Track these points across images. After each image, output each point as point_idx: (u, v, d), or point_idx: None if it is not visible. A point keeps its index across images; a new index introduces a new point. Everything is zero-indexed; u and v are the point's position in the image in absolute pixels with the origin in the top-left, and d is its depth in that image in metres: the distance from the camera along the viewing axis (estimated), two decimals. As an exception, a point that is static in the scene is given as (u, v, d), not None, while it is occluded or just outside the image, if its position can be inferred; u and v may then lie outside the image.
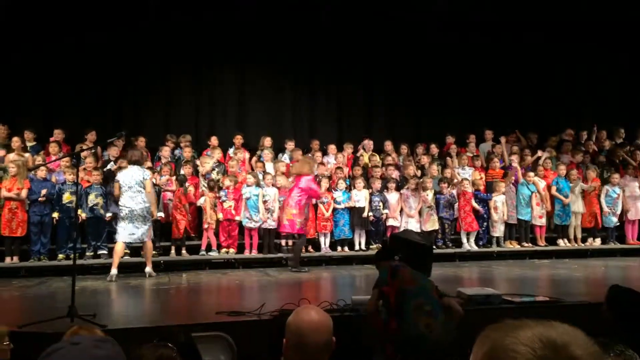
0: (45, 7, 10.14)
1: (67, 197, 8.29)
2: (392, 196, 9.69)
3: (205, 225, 8.89)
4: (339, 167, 9.97)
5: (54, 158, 8.73)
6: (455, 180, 10.02)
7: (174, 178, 9.05)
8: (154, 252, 8.05)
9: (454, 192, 9.89)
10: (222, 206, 8.97)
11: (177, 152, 9.92)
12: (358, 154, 10.78)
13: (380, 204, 9.57)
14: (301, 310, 2.24)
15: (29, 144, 9.29)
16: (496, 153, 10.90)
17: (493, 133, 11.49)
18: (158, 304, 6.14)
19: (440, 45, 12.07)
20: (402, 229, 9.16)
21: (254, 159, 10.21)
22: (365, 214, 9.39)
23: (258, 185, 9.21)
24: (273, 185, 9.26)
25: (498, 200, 9.93)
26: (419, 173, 10.24)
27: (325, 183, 9.49)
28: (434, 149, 10.97)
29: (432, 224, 9.66)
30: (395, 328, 3.60)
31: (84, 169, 8.63)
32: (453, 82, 12.12)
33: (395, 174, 10.14)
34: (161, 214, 8.66)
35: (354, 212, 9.45)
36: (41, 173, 8.40)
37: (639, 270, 8.73)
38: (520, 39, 12.23)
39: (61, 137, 9.50)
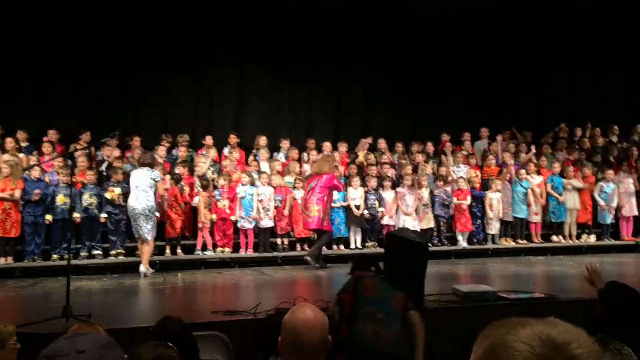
0: (44, 7, 10.10)
1: (60, 199, 8.24)
2: (388, 194, 9.69)
3: (200, 225, 8.87)
4: (334, 166, 9.95)
5: (47, 158, 8.69)
6: (450, 178, 10.03)
7: (168, 177, 9.02)
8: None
9: (449, 189, 9.91)
10: (216, 205, 8.96)
11: (174, 151, 9.88)
12: (356, 151, 10.77)
13: (376, 202, 9.57)
14: (297, 309, 2.24)
15: (22, 144, 9.24)
16: (491, 151, 10.91)
17: (489, 131, 11.51)
18: (153, 303, 6.13)
19: (438, 45, 12.13)
20: (398, 227, 9.17)
21: (250, 158, 10.19)
22: (360, 212, 9.39)
23: (253, 184, 9.19)
24: (269, 184, 9.24)
25: (493, 197, 9.95)
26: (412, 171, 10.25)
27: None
28: (430, 147, 10.98)
29: (428, 222, 9.68)
30: (345, 335, 3.56)
31: (77, 168, 8.60)
32: (449, 81, 12.17)
33: (391, 172, 10.15)
34: (156, 214, 8.63)
35: (350, 211, 9.45)
36: (35, 173, 8.36)
37: (633, 267, 8.77)
38: (517, 38, 12.29)
39: (55, 138, 9.46)
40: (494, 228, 10.00)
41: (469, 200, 9.85)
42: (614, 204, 10.56)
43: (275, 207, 9.21)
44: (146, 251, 7.67)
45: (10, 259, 8.13)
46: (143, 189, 7.57)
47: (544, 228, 10.50)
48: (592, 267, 3.77)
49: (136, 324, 4.51)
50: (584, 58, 12.75)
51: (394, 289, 3.68)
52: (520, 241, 10.15)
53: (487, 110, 11.94)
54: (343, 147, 10.76)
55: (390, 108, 12.26)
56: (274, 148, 10.64)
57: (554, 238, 10.36)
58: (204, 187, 9.01)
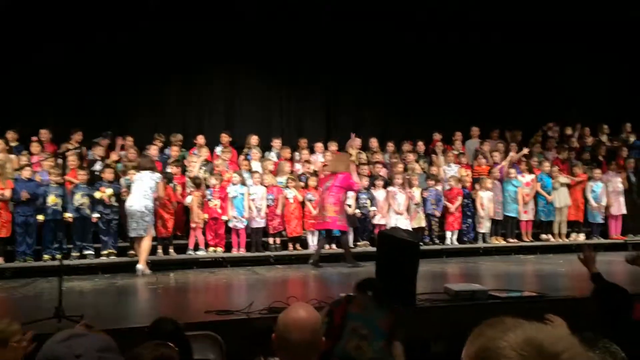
0: (35, 8, 10.03)
1: (52, 200, 8.19)
2: (380, 193, 9.72)
3: (193, 225, 8.86)
4: (325, 165, 9.98)
5: (39, 158, 8.64)
6: (440, 177, 10.08)
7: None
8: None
9: (440, 188, 9.96)
10: (207, 205, 8.95)
11: (166, 151, 9.86)
12: (346, 148, 10.78)
13: (368, 201, 9.60)
14: (292, 308, 2.27)
15: (12, 144, 9.18)
16: (482, 150, 10.97)
17: (479, 130, 11.57)
18: (146, 303, 6.12)
19: (428, 44, 12.14)
20: (389, 227, 9.19)
21: (241, 157, 10.19)
22: (351, 211, 9.42)
23: (243, 184, 9.20)
24: (261, 183, 9.25)
25: (484, 196, 10.01)
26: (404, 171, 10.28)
27: (312, 181, 9.51)
28: (421, 147, 11.03)
29: (419, 222, 9.72)
30: (329, 347, 3.58)
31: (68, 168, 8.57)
32: (440, 81, 12.16)
33: (382, 171, 10.18)
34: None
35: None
36: (25, 173, 8.31)
37: (622, 265, 8.82)
38: (507, 38, 12.34)
39: (47, 137, 9.40)
40: (484, 227, 10.06)
41: (460, 200, 9.90)
42: (603, 203, 10.65)
43: (268, 207, 9.21)
44: (143, 249, 7.68)
45: (1, 260, 8.08)
46: (144, 190, 7.68)
47: (534, 227, 10.57)
48: (588, 250, 3.96)
49: (129, 325, 4.50)
50: (574, 57, 12.83)
51: (385, 310, 3.71)
52: (511, 240, 10.23)
53: (478, 109, 11.98)
54: (333, 146, 10.77)
55: (381, 107, 12.27)
56: (266, 147, 10.64)
57: (544, 237, 10.44)
58: (197, 186, 9.00)
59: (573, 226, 10.68)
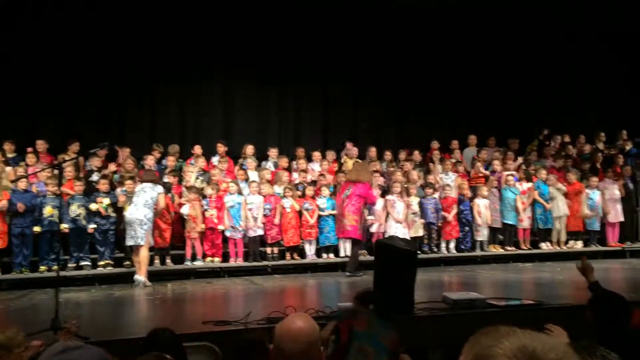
0: (30, 17, 10.06)
1: (48, 211, 8.17)
2: (377, 202, 9.71)
3: (194, 234, 8.83)
4: (322, 174, 10.00)
5: (36, 169, 8.63)
6: (437, 186, 10.09)
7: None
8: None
9: (437, 196, 9.95)
10: (204, 215, 8.94)
11: (163, 161, 9.85)
12: (342, 160, 10.80)
13: (366, 210, 9.59)
14: (289, 318, 2.28)
15: (9, 155, 9.16)
16: (480, 158, 10.99)
17: (477, 138, 11.61)
18: (143, 314, 6.09)
19: (425, 53, 12.21)
20: (388, 235, 9.18)
21: (236, 167, 10.19)
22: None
23: (240, 193, 9.20)
24: (258, 193, 9.24)
25: (481, 204, 10.01)
26: (404, 179, 10.29)
27: (309, 191, 9.51)
28: (417, 156, 11.04)
29: (416, 231, 9.69)
30: None
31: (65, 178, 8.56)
32: (438, 89, 12.24)
33: (380, 180, 10.18)
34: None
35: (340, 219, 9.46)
36: (21, 184, 8.29)
37: (619, 272, 8.86)
38: (505, 45, 12.40)
39: (44, 148, 9.39)
40: (482, 235, 10.06)
41: (455, 209, 9.91)
42: (600, 213, 10.66)
43: (265, 216, 9.20)
44: (142, 260, 7.65)
45: (-3, 271, 8.04)
46: (145, 200, 7.70)
47: (532, 234, 10.57)
48: (586, 261, 4.02)
49: (126, 336, 4.48)
50: (571, 65, 12.93)
51: (388, 326, 3.69)
52: (509, 248, 10.22)
53: (475, 118, 12.05)
54: (331, 156, 10.79)
55: (379, 116, 12.32)
56: (263, 157, 10.65)
57: (542, 245, 10.44)
58: (203, 196, 9.03)
59: (575, 235, 10.68)
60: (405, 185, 9.87)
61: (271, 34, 11.38)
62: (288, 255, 9.34)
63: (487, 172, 10.65)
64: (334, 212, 9.45)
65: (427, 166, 10.96)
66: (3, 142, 9.14)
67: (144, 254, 7.68)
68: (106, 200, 8.41)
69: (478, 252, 9.98)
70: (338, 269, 9.13)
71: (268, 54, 11.46)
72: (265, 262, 9.08)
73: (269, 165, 10.39)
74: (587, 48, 12.72)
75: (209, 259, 8.90)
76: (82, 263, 8.37)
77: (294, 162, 10.49)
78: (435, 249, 9.87)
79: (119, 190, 8.72)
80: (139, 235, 7.58)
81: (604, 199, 10.70)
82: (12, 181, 8.28)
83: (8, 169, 8.73)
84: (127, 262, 8.41)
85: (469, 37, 12.10)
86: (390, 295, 4.80)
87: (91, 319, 5.54)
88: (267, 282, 8.06)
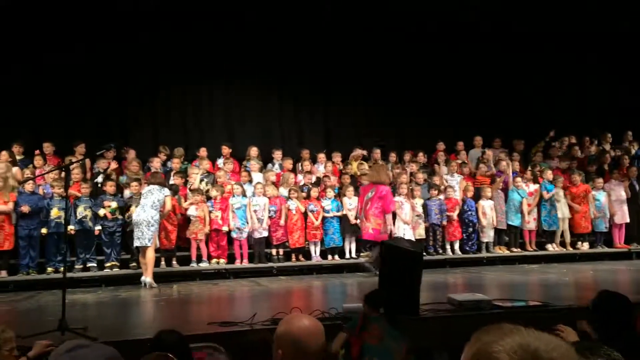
0: (36, 20, 10.14)
1: (55, 213, 8.24)
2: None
3: (201, 236, 8.86)
4: (326, 176, 10.01)
5: (44, 171, 8.68)
6: (443, 187, 10.08)
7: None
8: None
9: (442, 197, 9.95)
10: (209, 217, 8.97)
11: (168, 163, 9.89)
12: (347, 161, 10.81)
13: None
14: (292, 319, 2.21)
15: (17, 158, 9.23)
16: (485, 159, 10.98)
17: (482, 139, 11.60)
18: (149, 315, 6.11)
19: (430, 55, 12.21)
20: (395, 236, 9.17)
21: (241, 169, 10.22)
22: (353, 221, 9.42)
23: (244, 195, 9.22)
24: (263, 194, 9.26)
25: (486, 205, 10.00)
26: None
27: (314, 192, 9.53)
28: (422, 157, 11.04)
29: (420, 232, 9.67)
30: None
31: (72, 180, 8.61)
32: (442, 90, 12.24)
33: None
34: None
35: (345, 220, 9.48)
36: (28, 186, 8.34)
37: (626, 274, 8.82)
38: (508, 48, 12.41)
39: (50, 150, 9.46)
40: (487, 236, 10.04)
41: (457, 210, 9.89)
42: (607, 214, 10.63)
43: (270, 218, 9.22)
44: (149, 261, 7.68)
45: (4, 273, 8.10)
46: (152, 202, 7.73)
47: (537, 236, 10.54)
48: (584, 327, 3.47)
49: (133, 337, 4.50)
50: (576, 68, 12.92)
51: (400, 338, 3.63)
52: (515, 249, 10.19)
53: (480, 119, 12.02)
54: (337, 157, 10.81)
55: (382, 117, 12.32)
56: (267, 159, 10.67)
57: (548, 246, 10.41)
58: (207, 198, 9.05)
59: (579, 236, 10.64)
60: (410, 187, 9.86)
61: (274, 37, 11.42)
62: (293, 256, 9.35)
63: (494, 170, 10.63)
64: (339, 213, 9.47)
65: (432, 167, 10.96)
66: (11, 145, 9.21)
67: (150, 255, 7.72)
68: (113, 204, 8.46)
69: (484, 254, 9.97)
70: (343, 271, 9.14)
71: (272, 56, 11.50)
72: (270, 264, 9.09)
73: (275, 167, 10.41)
74: (589, 50, 12.72)
75: (214, 260, 8.93)
76: (89, 264, 8.42)
77: (299, 164, 10.51)
78: (440, 251, 9.86)
79: (127, 192, 8.77)
80: (146, 236, 7.62)
81: (610, 200, 10.66)
82: (20, 183, 8.33)
83: (15, 169, 8.79)
84: (134, 264, 8.44)
85: (474, 38, 12.10)
86: (396, 296, 4.81)
87: (98, 320, 5.56)
88: (273, 283, 8.07)
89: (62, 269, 6.93)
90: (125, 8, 10.41)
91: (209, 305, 6.77)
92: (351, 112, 12.31)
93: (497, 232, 10.21)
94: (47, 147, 9.44)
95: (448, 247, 9.89)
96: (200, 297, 7.19)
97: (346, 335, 3.80)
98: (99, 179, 9.05)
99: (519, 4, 11.38)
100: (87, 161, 9.44)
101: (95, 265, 8.44)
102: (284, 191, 9.58)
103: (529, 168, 10.82)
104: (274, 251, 9.29)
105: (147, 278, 7.62)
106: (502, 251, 10.13)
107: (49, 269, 8.21)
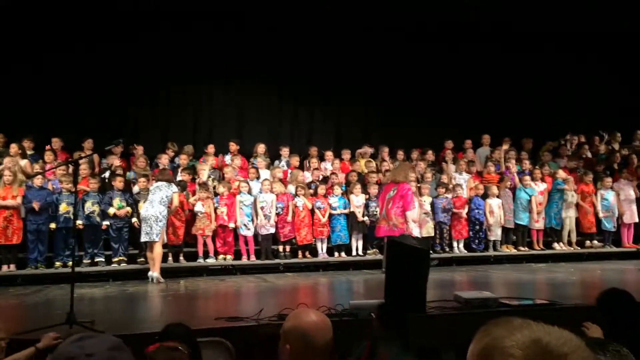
0: (45, 18, 10.20)
1: (63, 208, 8.29)
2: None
3: (208, 232, 8.88)
4: (334, 173, 10.01)
5: (50, 166, 8.73)
6: (451, 186, 10.06)
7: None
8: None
9: (450, 196, 9.92)
10: (215, 213, 8.99)
11: (176, 159, 9.92)
12: (355, 159, 10.81)
13: (377, 209, 9.57)
14: (299, 314, 2.21)
15: (28, 152, 9.29)
16: (493, 158, 10.93)
17: (490, 138, 11.56)
18: (156, 310, 6.15)
19: (438, 53, 12.18)
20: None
21: (249, 165, 10.23)
22: (360, 218, 9.42)
23: (250, 192, 9.24)
24: (271, 191, 9.27)
25: (493, 204, 9.97)
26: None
27: (321, 189, 9.53)
28: (430, 155, 11.01)
29: (427, 231, 9.66)
30: None
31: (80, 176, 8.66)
32: (450, 88, 12.20)
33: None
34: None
35: (352, 217, 9.48)
36: (37, 181, 8.40)
37: (634, 274, 8.77)
38: (515, 48, 12.36)
39: (59, 145, 9.52)
40: (495, 234, 10.00)
41: (466, 208, 9.87)
42: (615, 214, 10.57)
43: (277, 215, 9.23)
44: (156, 256, 7.72)
45: (13, 267, 8.16)
46: (160, 197, 7.78)
47: (545, 235, 10.50)
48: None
49: (140, 331, 4.52)
50: (576, 68, 12.86)
51: (406, 356, 3.49)
52: (522, 248, 10.16)
53: (488, 117, 11.98)
54: (347, 155, 10.82)
55: (391, 115, 12.30)
56: (275, 156, 10.68)
57: (555, 245, 10.37)
58: (215, 194, 9.07)
59: (586, 235, 10.59)
60: (418, 185, 9.85)
61: (283, 35, 11.41)
62: (300, 253, 9.36)
63: (503, 169, 10.58)
64: (346, 211, 9.47)
65: (439, 166, 10.93)
66: (22, 139, 9.28)
67: (158, 251, 7.75)
68: (119, 204, 8.48)
69: (491, 252, 9.94)
70: (350, 268, 9.14)
71: (279, 54, 11.50)
72: (277, 260, 9.11)
73: (283, 164, 10.41)
74: (589, 50, 12.66)
75: (221, 256, 8.95)
76: (97, 259, 8.47)
77: (306, 161, 10.52)
78: (447, 249, 9.84)
79: (136, 188, 8.81)
80: (154, 231, 7.66)
81: (619, 199, 10.60)
82: (29, 177, 8.39)
83: (24, 162, 8.85)
84: (141, 259, 8.48)
85: (478, 37, 12.06)
86: (402, 294, 4.80)
87: (105, 314, 5.60)
88: (279, 280, 8.09)
89: (70, 263, 7.01)
90: (134, 8, 10.45)
91: (216, 301, 6.79)
92: (360, 111, 12.30)
93: (505, 230, 10.17)
94: (56, 143, 9.51)
95: (455, 245, 9.86)
96: (207, 292, 7.22)
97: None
98: (106, 174, 9.09)
99: (525, 5, 11.34)
100: (96, 157, 9.49)
101: (103, 260, 8.49)
102: (291, 188, 9.59)
103: (537, 167, 10.77)
104: (280, 248, 9.31)
105: (154, 273, 7.67)
106: (509, 250, 10.10)
107: (57, 264, 8.27)
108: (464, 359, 1.14)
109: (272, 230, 9.21)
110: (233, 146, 10.32)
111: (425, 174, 10.23)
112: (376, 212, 9.57)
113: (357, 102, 12.22)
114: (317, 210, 9.39)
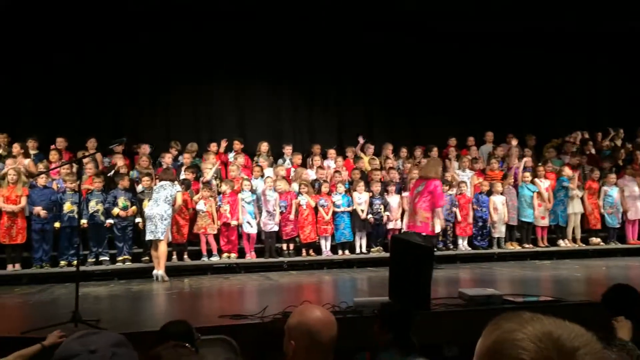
0: (47, 18, 10.22)
1: (68, 207, 8.31)
2: (393, 199, 9.71)
3: (210, 231, 8.90)
4: (337, 171, 10.01)
5: (55, 165, 8.76)
6: (454, 182, 10.04)
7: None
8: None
9: (453, 193, 9.91)
10: (218, 211, 9.00)
11: (179, 158, 9.93)
12: (357, 155, 10.80)
13: (382, 206, 9.59)
14: (304, 311, 2.22)
15: (32, 152, 9.32)
16: (496, 155, 10.91)
17: (494, 135, 11.53)
18: (161, 308, 6.16)
19: (441, 51, 12.15)
20: (403, 231, 9.18)
21: (252, 164, 10.24)
22: (364, 216, 9.41)
23: (253, 190, 9.25)
24: (274, 189, 9.28)
25: (497, 201, 9.95)
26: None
27: (324, 187, 9.53)
28: (435, 153, 10.99)
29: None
30: None
31: (85, 174, 8.69)
32: (452, 86, 12.18)
33: (397, 177, 10.15)
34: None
35: (355, 215, 9.47)
36: (41, 181, 8.42)
37: (638, 270, 8.74)
38: (518, 45, 12.32)
39: (63, 145, 9.55)
40: (499, 232, 9.98)
41: (469, 206, 9.85)
42: (619, 208, 10.54)
43: (281, 213, 9.24)
44: (161, 255, 7.74)
45: (18, 266, 8.18)
46: (165, 196, 7.81)
47: (549, 232, 10.47)
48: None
49: (144, 329, 4.53)
50: (586, 65, 12.83)
51: None
52: (526, 245, 10.13)
53: (491, 114, 11.96)
54: (350, 153, 10.81)
55: (393, 113, 12.28)
56: (278, 155, 10.69)
57: (560, 242, 10.34)
58: (218, 192, 9.08)
59: (590, 232, 10.57)
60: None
61: (284, 35, 11.41)
62: (304, 251, 9.37)
63: (510, 165, 10.56)
64: (349, 208, 9.47)
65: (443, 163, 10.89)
66: (27, 139, 9.30)
67: (162, 249, 7.77)
68: (123, 203, 8.50)
69: (495, 250, 9.92)
70: (354, 266, 9.14)
71: (281, 52, 11.50)
72: (281, 258, 9.12)
73: (286, 162, 10.42)
74: (599, 49, 12.62)
75: (225, 255, 8.96)
76: (101, 258, 8.49)
77: (309, 159, 10.51)
78: (451, 246, 9.83)
79: (140, 187, 8.83)
80: (159, 230, 7.68)
81: (623, 196, 10.57)
82: (33, 176, 8.41)
83: (27, 161, 8.87)
84: (146, 258, 8.50)
85: (483, 35, 12.03)
86: (406, 291, 4.80)
87: (110, 313, 5.62)
88: (283, 278, 8.09)
89: (75, 262, 7.04)
90: (137, 8, 10.45)
91: (220, 299, 6.81)
92: (362, 109, 12.29)
93: (509, 227, 10.15)
94: (60, 143, 9.54)
95: (459, 242, 9.85)
96: (211, 290, 7.24)
97: None
98: (111, 173, 9.11)
99: (529, 2, 11.30)
100: (99, 156, 9.51)
101: (108, 259, 8.51)
102: (295, 186, 9.59)
103: (540, 164, 10.73)
104: (284, 246, 9.31)
105: (159, 271, 7.68)
106: (513, 247, 10.08)
107: (62, 263, 8.30)
108: (468, 355, 1.13)
109: (276, 228, 9.21)
110: (237, 145, 10.32)
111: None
112: (380, 209, 9.58)
113: (360, 100, 12.21)
114: (320, 208, 9.39)
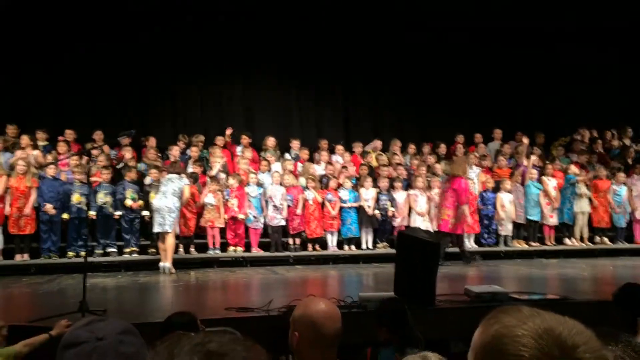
0: (57, 14, 10.26)
1: (76, 198, 8.35)
2: (400, 195, 9.70)
3: (218, 224, 8.92)
4: (344, 167, 10.00)
5: (64, 156, 8.81)
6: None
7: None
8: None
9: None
10: (226, 205, 9.02)
11: (187, 151, 9.96)
12: (366, 151, 10.79)
13: (388, 202, 9.58)
14: (309, 303, 2.22)
15: (40, 144, 9.37)
16: (504, 152, 10.86)
17: (502, 132, 11.48)
18: (167, 300, 6.19)
19: (448, 46, 12.09)
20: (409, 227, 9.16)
21: (260, 158, 10.24)
22: (371, 212, 9.41)
23: (260, 184, 9.26)
24: (281, 184, 9.29)
25: (505, 198, 9.91)
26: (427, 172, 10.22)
27: (332, 182, 9.53)
28: (443, 149, 10.97)
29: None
30: None
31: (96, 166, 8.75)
32: (460, 83, 12.13)
33: (404, 173, 10.13)
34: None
35: (362, 211, 9.47)
36: (50, 171, 8.47)
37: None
38: (526, 42, 12.24)
39: (72, 137, 9.59)
40: (506, 229, 9.94)
41: (476, 203, 9.81)
42: (627, 207, 10.47)
43: (288, 207, 9.25)
44: (168, 247, 7.77)
45: (26, 256, 8.24)
46: (173, 189, 7.85)
47: (556, 231, 10.42)
48: None
49: (150, 320, 4.56)
50: (596, 62, 12.72)
51: None
52: (533, 243, 10.09)
53: (499, 111, 11.90)
54: (358, 148, 10.80)
55: (400, 109, 12.26)
56: (285, 149, 10.69)
57: (567, 241, 10.29)
58: (225, 186, 9.12)
59: (597, 231, 10.51)
60: (429, 179, 9.81)
61: (292, 31, 11.39)
62: (310, 246, 9.38)
63: (519, 163, 10.52)
64: (356, 204, 9.46)
65: (450, 160, 10.86)
66: (36, 131, 9.36)
67: (170, 242, 7.80)
68: (131, 195, 8.53)
69: (502, 247, 9.89)
70: (359, 261, 9.15)
71: (289, 48, 11.49)
72: (287, 253, 9.13)
73: (294, 157, 10.41)
74: (610, 45, 12.52)
75: (232, 248, 8.99)
76: (109, 250, 8.53)
77: (316, 154, 10.51)
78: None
79: (148, 179, 8.85)
80: (167, 222, 7.71)
81: (631, 195, 10.50)
82: (40, 166, 8.46)
83: (35, 152, 8.91)
84: (153, 250, 8.54)
85: (491, 32, 11.97)
86: (411, 287, 4.80)
87: (117, 303, 5.65)
88: (289, 272, 8.11)
89: (82, 253, 7.08)
90: (152, 4, 10.48)
91: (226, 292, 6.84)
92: (370, 105, 12.27)
93: (516, 226, 10.11)
94: (69, 135, 9.57)
95: (466, 239, 9.81)
96: (217, 283, 7.27)
97: None
98: (120, 165, 9.15)
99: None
100: (106, 148, 9.54)
101: (115, 250, 8.56)
102: (302, 181, 9.60)
103: (547, 162, 10.68)
104: (290, 240, 9.32)
105: (166, 264, 7.72)
106: (520, 245, 10.04)
107: (70, 253, 8.35)
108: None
109: (283, 223, 9.23)
110: (245, 139, 10.33)
111: (436, 168, 10.18)
112: (386, 205, 9.58)
113: (368, 96, 12.18)
114: (327, 203, 9.39)
